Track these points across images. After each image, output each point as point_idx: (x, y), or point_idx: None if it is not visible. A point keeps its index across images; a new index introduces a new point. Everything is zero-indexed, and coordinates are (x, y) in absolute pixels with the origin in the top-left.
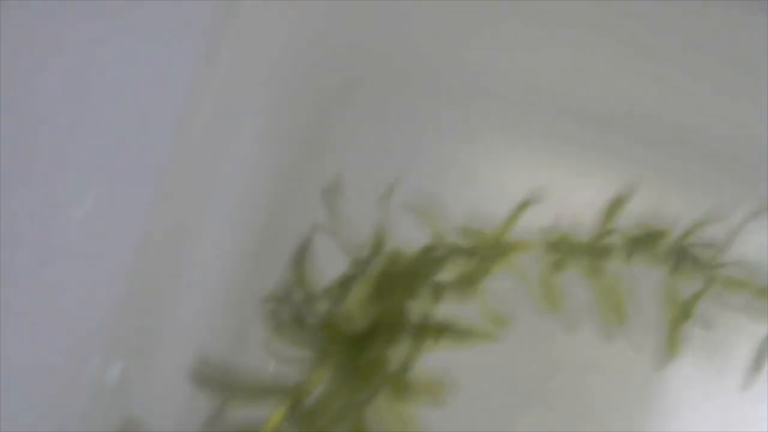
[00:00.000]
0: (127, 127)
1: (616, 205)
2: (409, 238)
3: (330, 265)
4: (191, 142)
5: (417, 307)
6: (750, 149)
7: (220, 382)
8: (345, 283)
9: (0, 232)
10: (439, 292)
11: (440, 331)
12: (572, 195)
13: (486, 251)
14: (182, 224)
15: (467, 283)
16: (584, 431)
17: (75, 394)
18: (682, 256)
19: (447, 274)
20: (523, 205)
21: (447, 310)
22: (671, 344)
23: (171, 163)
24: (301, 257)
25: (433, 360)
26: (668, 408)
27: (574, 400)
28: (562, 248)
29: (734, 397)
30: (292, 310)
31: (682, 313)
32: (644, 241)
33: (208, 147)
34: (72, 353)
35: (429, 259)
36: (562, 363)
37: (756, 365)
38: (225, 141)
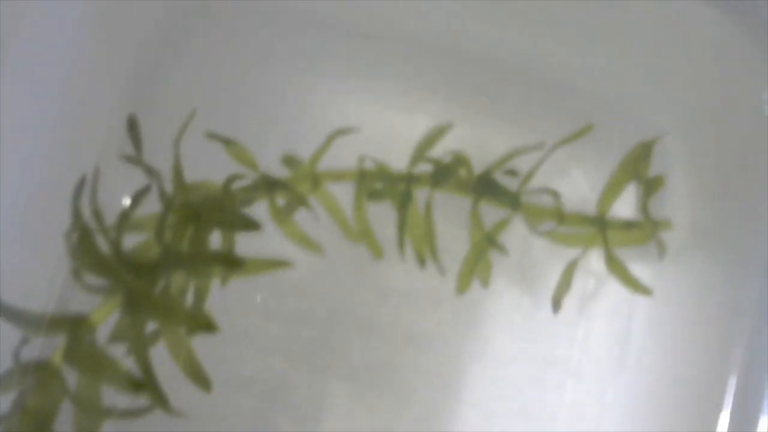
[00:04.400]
0: None
1: (430, 138)
2: (221, 170)
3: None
4: None
5: (221, 238)
6: (561, 83)
7: (18, 316)
8: (129, 214)
9: None
10: (241, 223)
11: (230, 262)
12: (389, 128)
13: (297, 181)
14: None
15: (277, 213)
16: (405, 356)
17: None
18: (487, 185)
19: (257, 204)
20: (335, 135)
21: (255, 240)
22: (478, 271)
23: None
24: (85, 187)
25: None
26: (481, 333)
27: (387, 328)
28: (374, 178)
29: (544, 320)
30: (90, 241)
31: (486, 241)
32: (450, 169)
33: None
34: None
35: (236, 190)
36: (374, 292)
37: (563, 289)
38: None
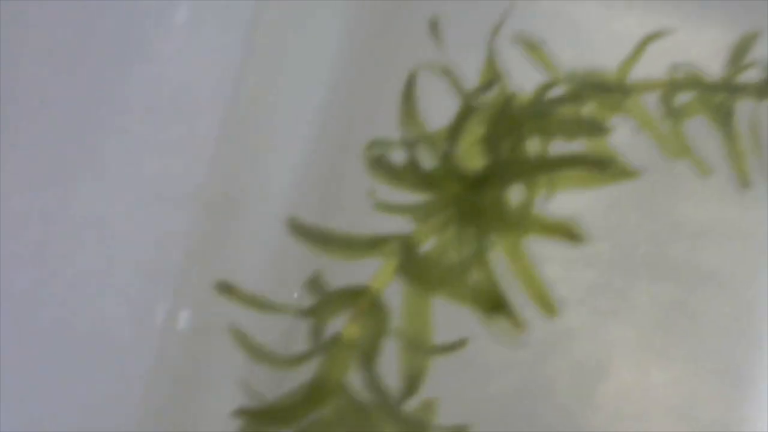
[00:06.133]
0: None
1: (743, 45)
2: (520, 80)
3: (437, 107)
4: None
5: (535, 148)
6: None
7: (319, 235)
8: (458, 123)
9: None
10: (559, 130)
11: (576, 162)
12: (695, 36)
13: (606, 91)
14: (275, 63)
15: (587, 124)
16: (698, 298)
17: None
18: None
19: (565, 114)
20: (646, 41)
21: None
22: None
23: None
24: (409, 94)
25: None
26: None
27: (695, 263)
28: (690, 88)
29: None
30: (403, 152)
31: None
32: None
33: None
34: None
35: (547, 99)
36: (664, 224)
37: None
38: None
